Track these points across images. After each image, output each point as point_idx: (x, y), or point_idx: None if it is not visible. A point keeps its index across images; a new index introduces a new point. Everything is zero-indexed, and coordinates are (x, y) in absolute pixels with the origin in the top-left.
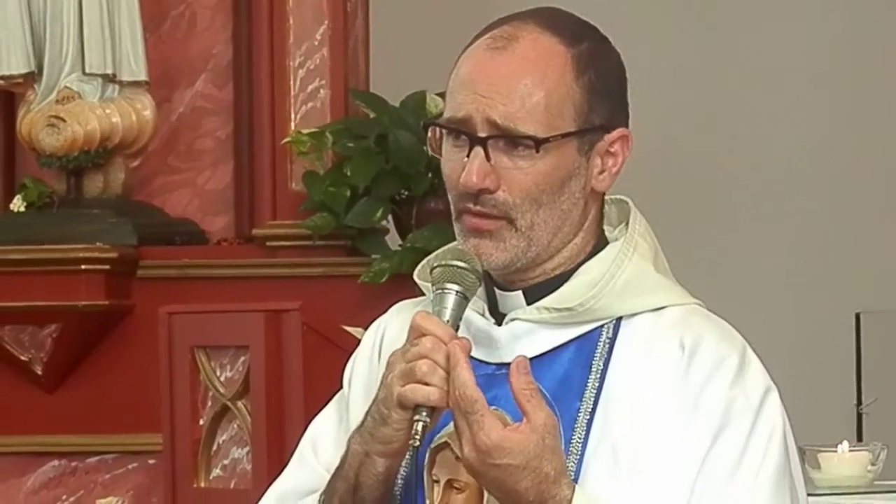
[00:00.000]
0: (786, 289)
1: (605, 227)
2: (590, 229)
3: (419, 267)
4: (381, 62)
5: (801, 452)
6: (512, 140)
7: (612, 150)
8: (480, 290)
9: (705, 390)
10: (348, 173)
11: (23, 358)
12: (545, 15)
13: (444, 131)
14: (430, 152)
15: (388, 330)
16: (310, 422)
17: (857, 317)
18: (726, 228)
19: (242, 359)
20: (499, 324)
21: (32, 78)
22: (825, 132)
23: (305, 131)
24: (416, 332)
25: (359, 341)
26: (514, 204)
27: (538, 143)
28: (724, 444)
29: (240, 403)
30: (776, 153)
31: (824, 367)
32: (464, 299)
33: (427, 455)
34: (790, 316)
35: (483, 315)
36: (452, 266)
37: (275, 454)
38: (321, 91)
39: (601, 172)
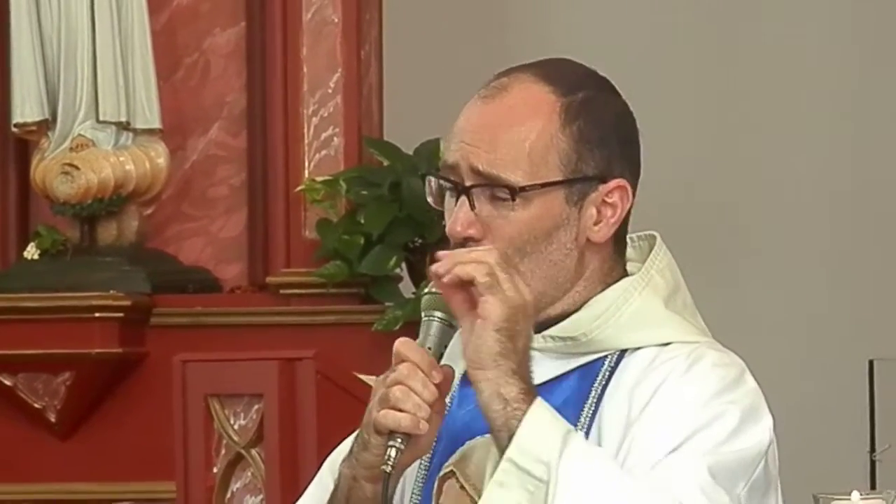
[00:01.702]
0: (799, 335)
1: (633, 264)
2: (593, 278)
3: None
4: (395, 110)
5: (815, 500)
6: (493, 188)
7: (608, 200)
8: None
9: (691, 392)
10: (362, 221)
11: (36, 405)
12: (549, 66)
13: (440, 181)
14: (432, 203)
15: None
16: None
17: (871, 364)
18: (739, 274)
19: (256, 407)
20: None
21: (46, 125)
22: (833, 177)
23: (319, 179)
24: (396, 359)
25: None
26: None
27: (513, 192)
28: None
29: (254, 451)
30: (792, 200)
31: (837, 413)
32: (449, 327)
33: (435, 484)
34: (803, 362)
35: None
36: (439, 294)
37: (288, 502)
38: (335, 139)
39: (597, 223)
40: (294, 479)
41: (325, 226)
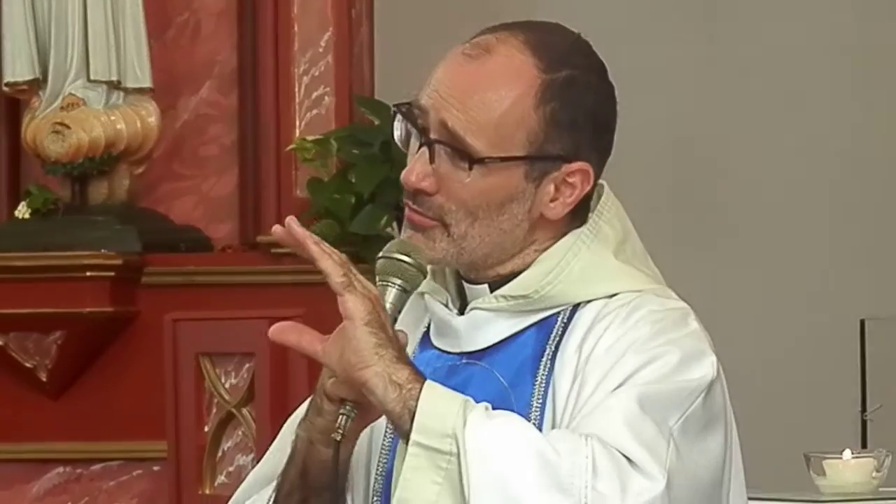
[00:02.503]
0: (790, 295)
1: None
2: (542, 244)
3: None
4: (386, 69)
5: (807, 459)
6: (456, 150)
7: (569, 180)
8: (451, 282)
9: (630, 336)
10: (353, 180)
11: (28, 365)
12: (539, 32)
13: (408, 123)
14: (397, 141)
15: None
16: None
17: (862, 323)
18: (729, 235)
19: (247, 366)
20: (461, 313)
21: (37, 85)
22: (830, 138)
23: (310, 138)
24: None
25: None
26: (448, 210)
27: (472, 162)
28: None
29: (244, 410)
30: (781, 160)
31: (829, 373)
32: (404, 292)
33: (398, 449)
34: (794, 323)
35: (446, 305)
36: (395, 259)
37: None
38: (326, 98)
39: (553, 200)
40: None
41: (316, 185)
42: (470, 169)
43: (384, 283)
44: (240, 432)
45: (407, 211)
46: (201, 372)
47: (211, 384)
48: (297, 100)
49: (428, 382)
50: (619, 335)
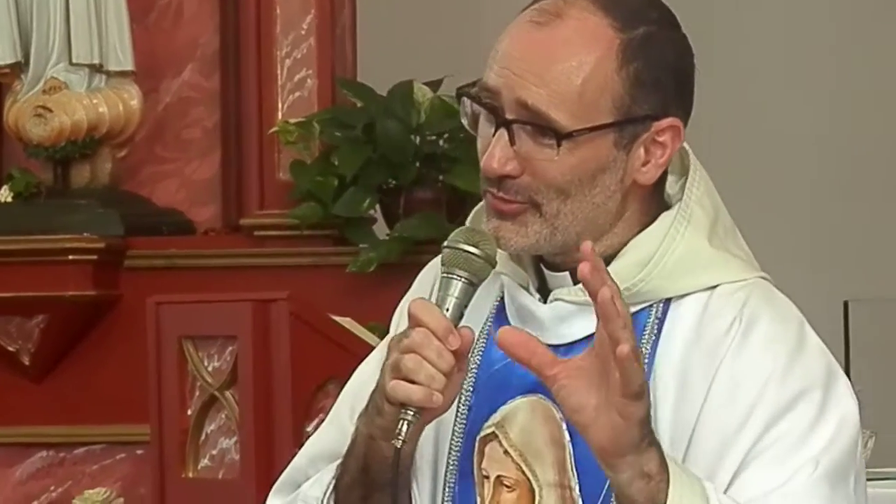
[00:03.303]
0: (774, 277)
1: (669, 179)
2: (632, 219)
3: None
4: (369, 51)
5: None
6: (538, 127)
7: (659, 139)
8: (529, 265)
9: (758, 372)
10: (336, 163)
11: (10, 348)
12: None
13: (477, 105)
14: (466, 125)
15: None
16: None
17: (846, 305)
18: None
19: (230, 349)
20: (545, 300)
21: (19, 68)
22: (814, 120)
23: (293, 121)
24: (410, 322)
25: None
26: (538, 189)
27: (560, 138)
28: (782, 430)
29: (227, 393)
30: (764, 142)
31: None
32: (470, 286)
33: (476, 445)
34: None
35: (528, 290)
36: (461, 250)
37: (262, 444)
38: (308, 80)
39: (645, 164)
40: (268, 420)
41: (299, 167)
42: (558, 146)
43: (449, 275)
44: (223, 415)
45: (491, 200)
46: (184, 355)
47: (194, 367)
48: (279, 82)
49: (674, 474)
50: (744, 366)
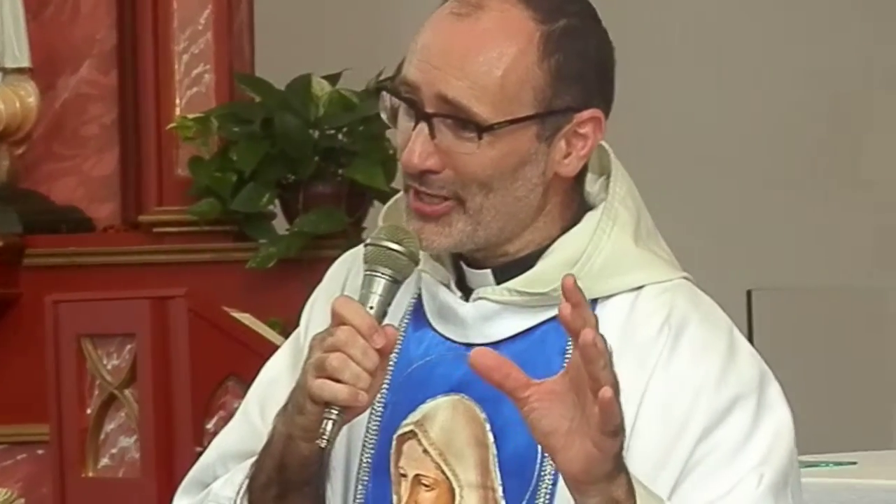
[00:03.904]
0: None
1: (588, 176)
2: (555, 212)
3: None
4: (267, 46)
5: None
6: (459, 121)
7: (581, 131)
8: (447, 260)
9: (691, 381)
10: (234, 158)
11: None
12: None
13: (397, 99)
14: (385, 119)
15: (357, 268)
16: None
17: (749, 294)
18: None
19: (129, 346)
20: (466, 298)
21: None
22: (718, 112)
23: (191, 116)
24: (334, 320)
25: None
26: (461, 184)
27: (481, 130)
28: (718, 439)
29: (127, 392)
30: (667, 131)
31: None
32: (393, 283)
33: (393, 444)
34: None
35: (449, 288)
36: (385, 247)
37: (163, 442)
38: (206, 76)
39: (566, 156)
40: (168, 418)
41: (198, 163)
42: (479, 139)
43: (372, 272)
44: (122, 414)
45: (412, 200)
46: (83, 353)
47: (93, 366)
48: (176, 78)
49: (640, 497)
50: (676, 376)
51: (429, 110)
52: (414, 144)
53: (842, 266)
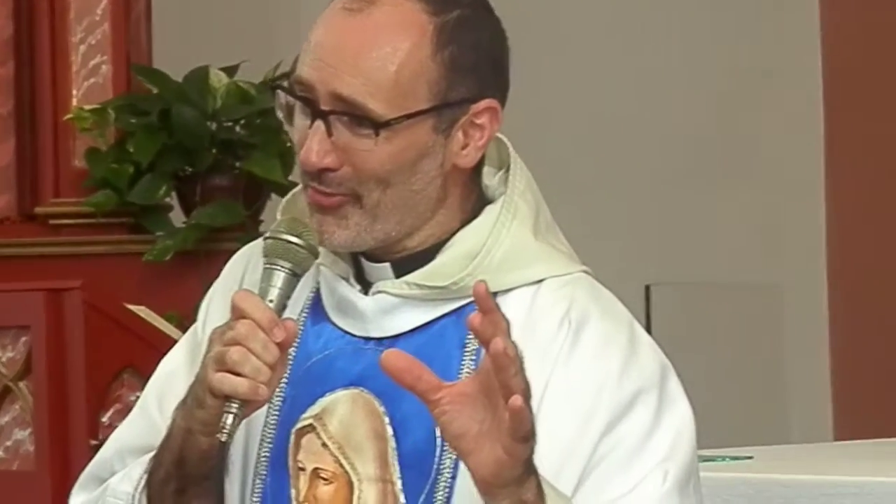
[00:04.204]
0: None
1: (486, 169)
2: (454, 205)
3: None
4: (164, 37)
5: None
6: (355, 118)
7: (477, 121)
8: (346, 255)
9: (593, 376)
10: (131, 150)
11: None
12: None
13: (291, 98)
14: (281, 118)
15: (255, 265)
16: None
17: (647, 289)
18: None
19: (24, 339)
20: (365, 292)
21: None
22: (612, 105)
23: (87, 107)
24: (234, 313)
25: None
26: (359, 180)
27: (377, 127)
28: (621, 434)
29: (21, 384)
30: (564, 127)
31: None
32: (293, 277)
33: (291, 437)
34: None
35: (348, 281)
36: (284, 240)
37: (57, 435)
38: (103, 67)
39: (464, 147)
40: (63, 411)
41: (94, 155)
42: (376, 135)
43: (272, 266)
44: (17, 406)
45: (311, 194)
46: None
47: None
48: (73, 69)
49: (549, 498)
50: (578, 371)
51: (324, 108)
52: (311, 143)
53: (738, 262)
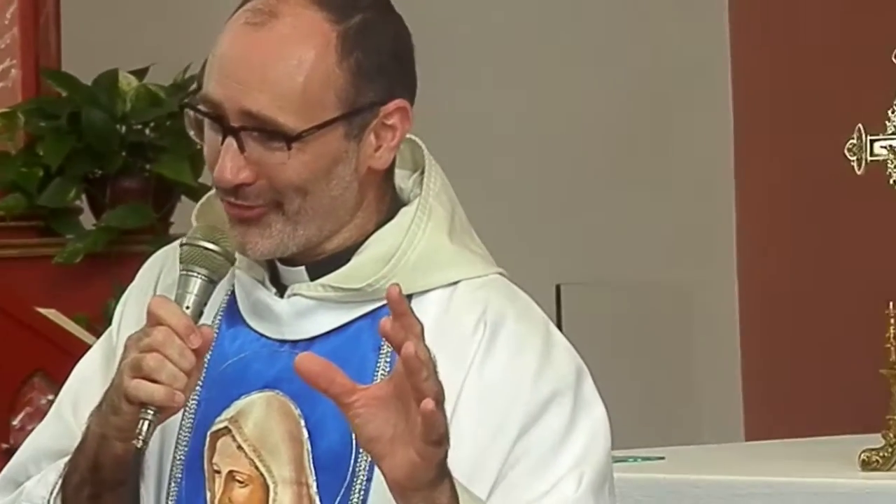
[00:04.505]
0: None
1: (399, 172)
2: (371, 207)
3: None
4: (73, 41)
5: None
6: (266, 132)
7: (388, 123)
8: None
9: (509, 378)
10: (41, 153)
11: None
12: None
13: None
14: (193, 136)
15: (169, 269)
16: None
17: (558, 288)
18: None
19: None
20: (281, 295)
21: None
22: (523, 104)
23: None
24: (150, 320)
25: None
26: (277, 191)
27: (289, 140)
28: (535, 437)
29: None
30: (473, 126)
31: None
32: (209, 283)
33: (206, 440)
34: None
35: (264, 284)
36: (201, 247)
37: None
38: (12, 70)
39: (377, 149)
40: None
41: (4, 158)
42: (289, 148)
43: (188, 272)
44: None
45: (229, 208)
46: None
47: None
48: None
49: (464, 502)
50: (493, 374)
51: (235, 125)
52: (224, 160)
53: (649, 261)
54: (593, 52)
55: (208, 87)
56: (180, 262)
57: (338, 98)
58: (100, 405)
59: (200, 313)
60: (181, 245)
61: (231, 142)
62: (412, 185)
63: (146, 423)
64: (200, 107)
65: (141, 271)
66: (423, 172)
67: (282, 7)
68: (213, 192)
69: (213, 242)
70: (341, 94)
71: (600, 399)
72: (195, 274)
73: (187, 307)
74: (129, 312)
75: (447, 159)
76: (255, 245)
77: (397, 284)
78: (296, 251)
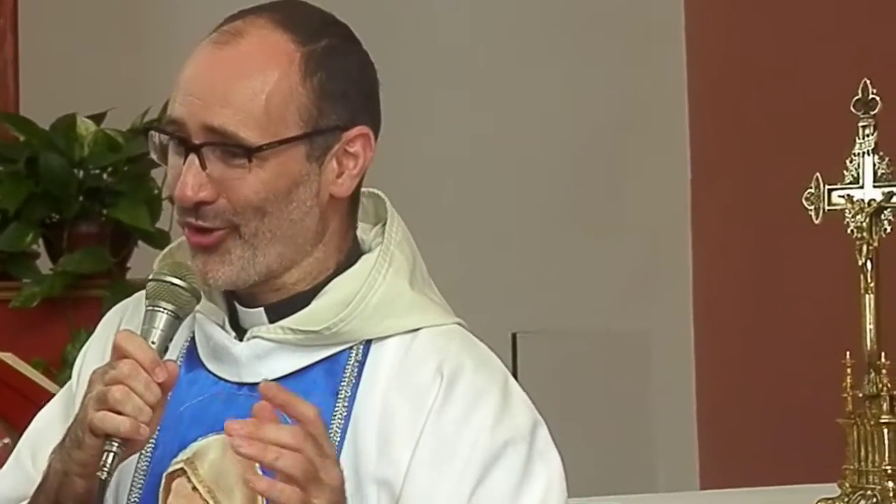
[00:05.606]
0: None
1: (361, 225)
2: (332, 242)
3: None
4: (31, 85)
5: None
6: (228, 149)
7: (350, 150)
8: (220, 300)
9: (466, 427)
10: None
11: None
12: (287, 9)
13: (164, 137)
14: (157, 159)
15: (130, 317)
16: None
17: (514, 337)
18: None
19: None
20: (240, 338)
21: None
22: (480, 151)
23: None
24: (116, 353)
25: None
26: (235, 212)
27: (249, 153)
28: (490, 487)
29: None
30: (429, 174)
31: None
32: (175, 319)
33: (162, 481)
34: None
35: (223, 328)
36: (167, 282)
37: None
38: None
39: (339, 176)
40: None
41: None
42: (249, 161)
43: (154, 307)
44: None
45: (189, 234)
46: None
47: None
48: None
49: None
50: (439, 414)
51: (196, 142)
52: (186, 177)
53: (605, 309)
54: (547, 99)
55: (172, 108)
56: (147, 298)
57: (300, 117)
58: (62, 441)
59: (166, 349)
60: (148, 281)
61: (193, 159)
62: (374, 237)
63: (111, 455)
64: (165, 128)
65: (101, 323)
66: (384, 224)
67: (248, 28)
68: (174, 243)
69: (179, 278)
70: (304, 113)
71: (556, 449)
72: (161, 309)
73: (153, 342)
74: (88, 363)
75: (398, 208)
76: (216, 273)
77: (269, 383)
78: (257, 279)
